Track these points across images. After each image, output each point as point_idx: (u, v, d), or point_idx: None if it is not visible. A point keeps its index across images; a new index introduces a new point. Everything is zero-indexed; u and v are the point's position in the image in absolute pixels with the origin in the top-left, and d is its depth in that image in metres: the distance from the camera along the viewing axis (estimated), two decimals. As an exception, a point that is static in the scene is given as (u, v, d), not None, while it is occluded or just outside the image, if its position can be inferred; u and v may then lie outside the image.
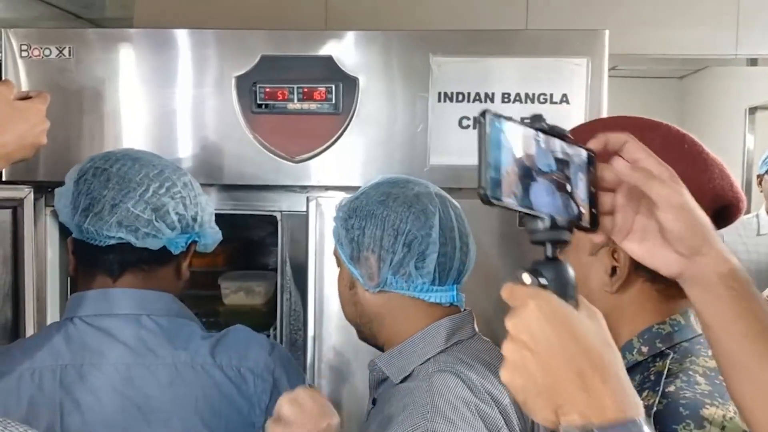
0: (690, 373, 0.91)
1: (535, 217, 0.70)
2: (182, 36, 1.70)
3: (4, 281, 1.75)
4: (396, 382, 1.16)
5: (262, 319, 1.98)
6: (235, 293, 2.01)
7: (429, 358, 1.15)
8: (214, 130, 1.70)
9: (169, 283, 1.24)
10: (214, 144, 1.70)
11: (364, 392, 1.33)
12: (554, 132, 0.73)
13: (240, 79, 1.67)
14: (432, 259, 1.15)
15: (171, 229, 1.20)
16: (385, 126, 1.67)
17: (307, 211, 1.63)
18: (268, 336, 1.98)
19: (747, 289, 0.75)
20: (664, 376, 0.91)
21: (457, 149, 1.66)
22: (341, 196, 1.26)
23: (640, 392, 0.93)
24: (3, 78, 1.68)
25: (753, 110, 4.96)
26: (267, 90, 1.65)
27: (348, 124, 1.66)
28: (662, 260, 0.79)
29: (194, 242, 1.27)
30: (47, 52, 1.68)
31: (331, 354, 1.66)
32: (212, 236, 1.28)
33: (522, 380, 0.67)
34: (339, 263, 1.25)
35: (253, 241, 2.30)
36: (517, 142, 0.69)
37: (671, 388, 0.89)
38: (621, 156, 0.76)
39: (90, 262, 1.20)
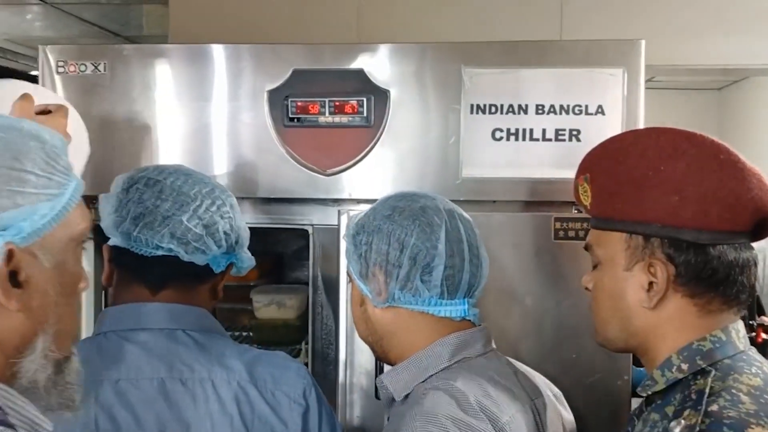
0: (733, 391, 0.88)
1: None
2: (215, 51, 1.71)
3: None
4: (398, 400, 1.15)
5: (294, 333, 1.98)
6: (266, 307, 2.00)
7: (431, 375, 1.12)
8: (247, 144, 1.71)
9: (204, 301, 1.24)
10: (246, 157, 1.71)
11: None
12: None
13: (272, 93, 1.68)
14: (439, 271, 1.13)
15: (218, 246, 1.21)
16: (417, 138, 1.66)
17: (338, 225, 1.62)
18: (300, 350, 1.98)
19: None
20: (707, 395, 0.88)
21: (490, 161, 1.64)
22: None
23: (681, 411, 0.90)
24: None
25: (794, 121, 4.85)
26: (299, 104, 1.66)
27: (379, 137, 1.65)
28: None
29: (231, 264, 1.27)
30: (83, 67, 1.71)
31: (363, 370, 1.64)
32: (247, 261, 1.29)
33: None
34: (350, 280, 1.24)
35: (285, 255, 2.30)
36: None
37: (714, 408, 0.86)
38: None
39: (131, 272, 1.20)
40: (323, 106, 1.65)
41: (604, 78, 1.61)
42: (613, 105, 1.61)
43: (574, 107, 1.62)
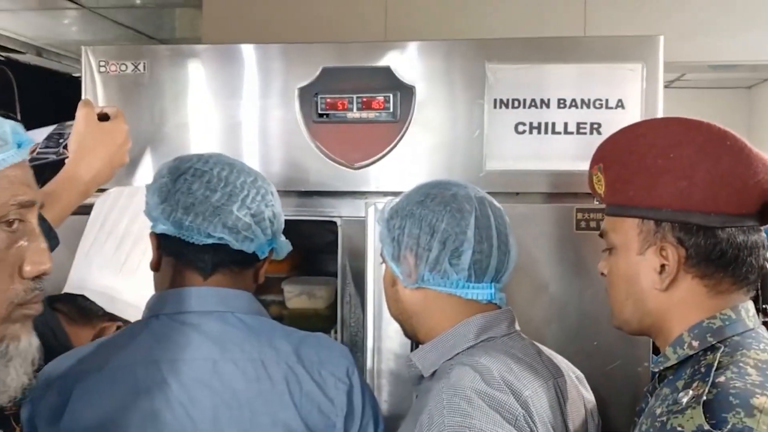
0: (741, 364, 0.92)
1: None
2: (247, 50, 1.78)
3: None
4: (426, 376, 1.20)
5: (323, 322, 2.03)
6: (297, 297, 2.06)
7: (457, 353, 1.18)
8: (278, 140, 1.77)
9: (248, 284, 1.29)
10: (277, 153, 1.77)
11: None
12: None
13: (302, 91, 1.74)
14: (467, 256, 1.19)
15: (264, 234, 1.25)
16: (441, 132, 1.71)
17: (365, 216, 1.68)
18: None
19: None
20: (714, 368, 0.92)
21: (513, 155, 1.68)
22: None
23: (690, 384, 0.94)
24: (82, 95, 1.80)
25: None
26: (328, 100, 1.72)
27: (405, 132, 1.70)
28: None
29: (272, 249, 1.32)
30: (123, 67, 1.79)
31: (390, 356, 1.70)
32: (285, 246, 1.34)
33: None
34: (384, 262, 1.30)
35: (316, 248, 2.35)
36: None
37: (721, 379, 0.90)
38: None
39: (182, 259, 1.23)
40: (351, 103, 1.70)
41: (624, 73, 1.64)
42: (632, 99, 1.64)
43: (594, 101, 1.66)
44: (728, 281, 1.01)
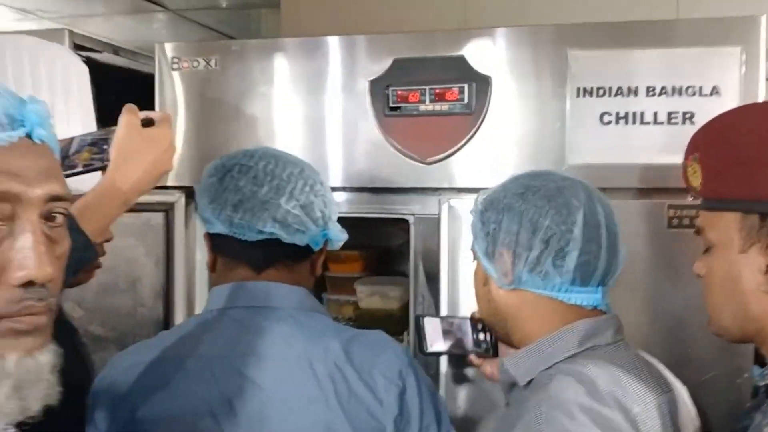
0: None
1: None
2: (317, 44, 1.74)
3: (157, 281, 1.87)
4: (521, 385, 1.11)
5: (396, 323, 1.98)
6: (370, 297, 2.03)
7: (557, 362, 1.07)
8: (349, 134, 1.73)
9: (304, 278, 1.26)
10: (348, 148, 1.73)
11: (500, 398, 1.28)
12: None
13: (374, 83, 1.69)
14: (573, 257, 1.07)
15: (316, 225, 1.22)
16: (519, 125, 1.63)
17: (439, 214, 1.61)
18: (402, 341, 1.98)
19: None
20: None
21: (597, 147, 1.58)
22: (474, 198, 1.22)
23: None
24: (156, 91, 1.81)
25: None
26: (399, 92, 1.66)
27: (480, 124, 1.63)
28: None
29: (327, 240, 1.28)
30: (195, 63, 1.79)
31: (465, 359, 1.62)
32: (339, 234, 1.29)
33: None
34: (475, 258, 1.21)
35: (389, 248, 2.32)
36: None
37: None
38: None
39: (235, 258, 1.22)
40: (423, 94, 1.64)
41: (720, 57, 1.52)
42: (729, 86, 1.52)
43: (687, 88, 1.54)
44: None
